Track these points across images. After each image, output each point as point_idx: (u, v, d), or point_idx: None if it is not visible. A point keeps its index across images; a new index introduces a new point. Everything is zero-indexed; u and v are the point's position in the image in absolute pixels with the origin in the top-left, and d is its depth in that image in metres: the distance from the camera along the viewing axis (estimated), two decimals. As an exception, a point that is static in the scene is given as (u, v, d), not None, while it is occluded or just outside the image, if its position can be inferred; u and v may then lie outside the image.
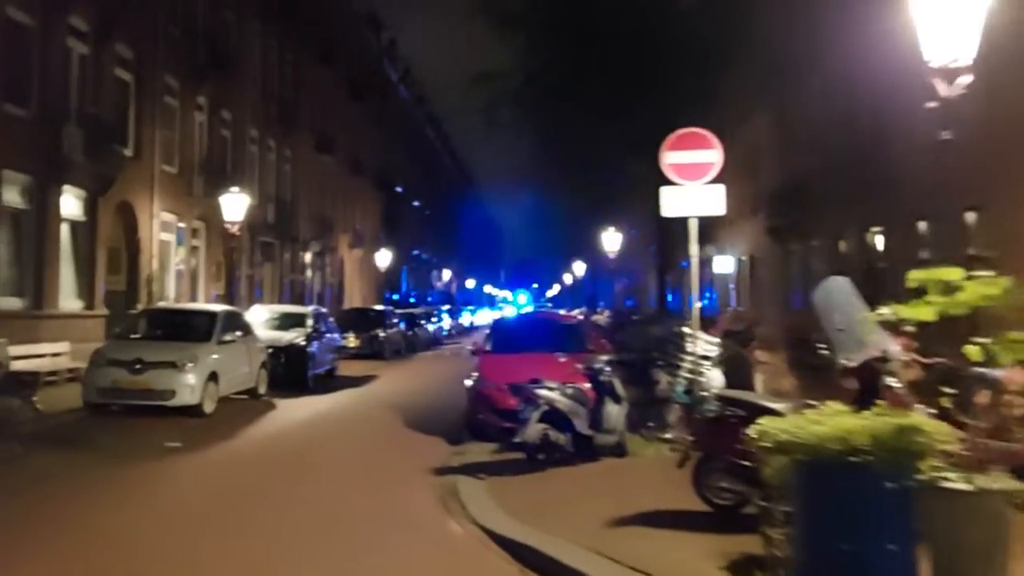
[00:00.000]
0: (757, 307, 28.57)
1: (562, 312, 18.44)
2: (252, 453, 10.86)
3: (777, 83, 23.57)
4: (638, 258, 46.79)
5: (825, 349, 7.91)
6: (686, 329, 11.35)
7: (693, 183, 10.13)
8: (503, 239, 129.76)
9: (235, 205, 20.86)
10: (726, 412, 6.92)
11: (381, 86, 47.03)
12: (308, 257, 35.40)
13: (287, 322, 18.74)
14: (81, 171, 17.52)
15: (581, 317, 14.71)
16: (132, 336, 13.69)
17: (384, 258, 41.86)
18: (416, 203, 57.02)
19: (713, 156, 10.22)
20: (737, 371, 11.33)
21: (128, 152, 20.07)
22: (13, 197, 16.02)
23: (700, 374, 11.08)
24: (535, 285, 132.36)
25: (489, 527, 7.03)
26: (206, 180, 23.81)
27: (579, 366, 9.91)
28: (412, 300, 49.23)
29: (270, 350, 16.81)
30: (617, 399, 9.64)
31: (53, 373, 15.43)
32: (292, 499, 8.33)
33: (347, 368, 22.13)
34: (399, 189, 51.12)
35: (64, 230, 17.62)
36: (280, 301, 30.42)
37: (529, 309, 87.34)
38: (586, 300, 59.12)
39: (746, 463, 5.76)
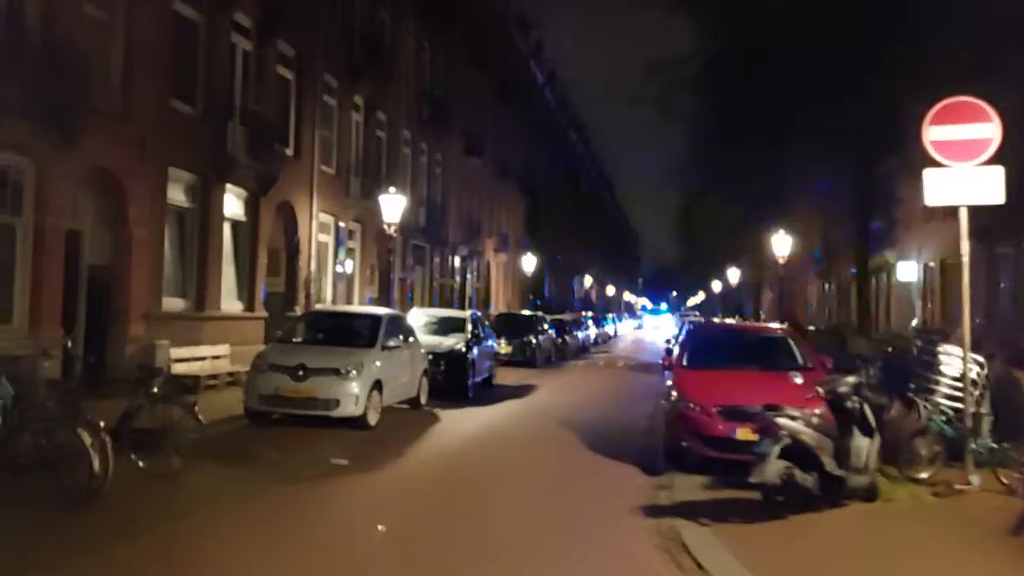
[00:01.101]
0: (951, 319, 25.40)
1: (757, 323, 16.59)
2: (425, 474, 9.68)
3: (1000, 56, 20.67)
4: (796, 266, 43.56)
5: None
6: (946, 347, 9.35)
7: (963, 164, 8.16)
8: (642, 246, 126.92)
9: (393, 206, 20.15)
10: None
11: (528, 89, 46.13)
12: (457, 261, 34.76)
13: (446, 327, 17.76)
14: (244, 170, 17.16)
15: (786, 328, 12.75)
16: (294, 340, 12.92)
17: (530, 263, 40.81)
18: (558, 208, 55.85)
19: (990, 131, 8.24)
20: (1008, 397, 9.22)
21: (289, 151, 19.71)
22: (178, 196, 15.75)
23: (960, 399, 9.08)
24: (674, 293, 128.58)
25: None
26: (362, 181, 23.33)
27: (817, 388, 8.11)
28: (564, 308, 47.92)
29: (430, 356, 15.82)
30: (868, 430, 7.80)
31: (213, 377, 14.99)
32: (478, 535, 7.02)
33: (502, 375, 21.01)
34: (542, 193, 50.07)
35: (226, 230, 17.31)
36: (431, 305, 29.81)
37: (658, 318, 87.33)
38: (737, 310, 55.99)
39: None
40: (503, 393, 17.76)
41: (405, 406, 14.21)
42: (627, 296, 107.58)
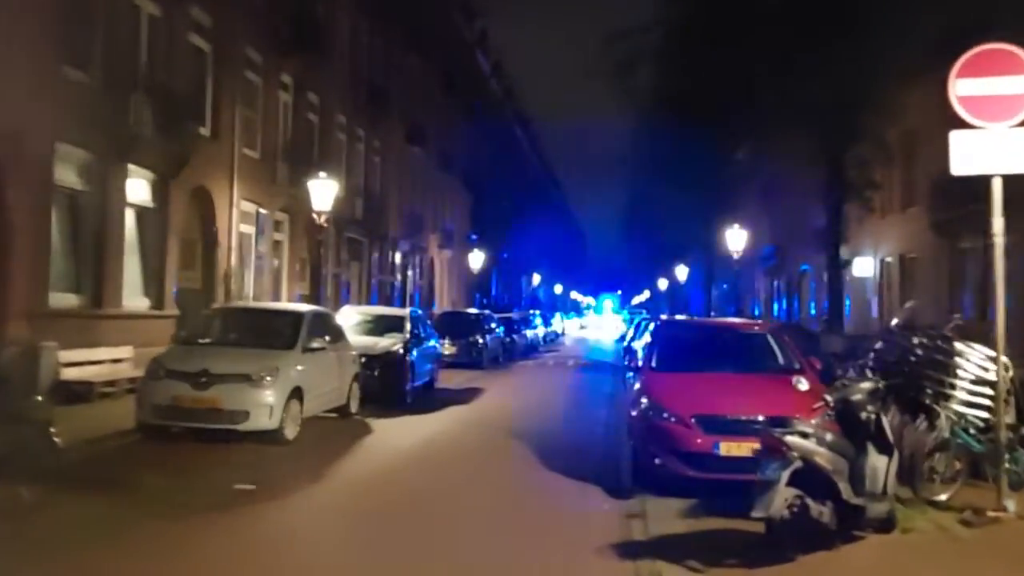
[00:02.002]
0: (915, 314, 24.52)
1: (737, 320, 15.16)
2: (346, 502, 7.98)
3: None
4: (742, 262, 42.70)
5: None
6: (961, 345, 8.00)
7: (998, 125, 6.81)
8: (588, 244, 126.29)
9: (323, 193, 18.28)
10: None
11: (473, 79, 44.44)
12: (398, 257, 32.94)
13: (382, 326, 16.00)
14: (150, 148, 15.18)
15: (767, 325, 11.35)
16: (200, 341, 11.04)
17: (476, 259, 39.17)
18: (504, 203, 54.33)
19: (1028, 84, 6.87)
20: (1034, 402, 7.92)
21: (205, 131, 17.73)
22: (68, 176, 13.69)
23: (980, 406, 7.75)
24: (619, 292, 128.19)
25: None
26: (291, 167, 21.41)
27: (825, 396, 6.67)
28: (511, 306, 46.28)
29: (363, 359, 14.08)
30: (886, 447, 6.39)
31: (111, 383, 13.00)
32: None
33: (446, 378, 19.33)
34: (488, 189, 48.48)
35: (129, 217, 15.28)
36: (368, 303, 27.96)
37: (603, 318, 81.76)
38: (681, 306, 55.19)
39: None
40: (446, 398, 16.10)
41: (333, 415, 12.48)
42: (575, 295, 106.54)
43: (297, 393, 10.40)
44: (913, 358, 8.42)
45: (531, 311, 44.97)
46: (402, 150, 32.07)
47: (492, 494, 8.28)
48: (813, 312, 36.23)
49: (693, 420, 7.80)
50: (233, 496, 7.87)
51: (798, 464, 5.77)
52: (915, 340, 8.84)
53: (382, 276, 30.31)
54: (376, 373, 14.31)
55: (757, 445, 7.39)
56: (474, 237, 42.88)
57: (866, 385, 6.59)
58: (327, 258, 24.58)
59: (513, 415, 14.10)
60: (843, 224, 27.52)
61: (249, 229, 20.17)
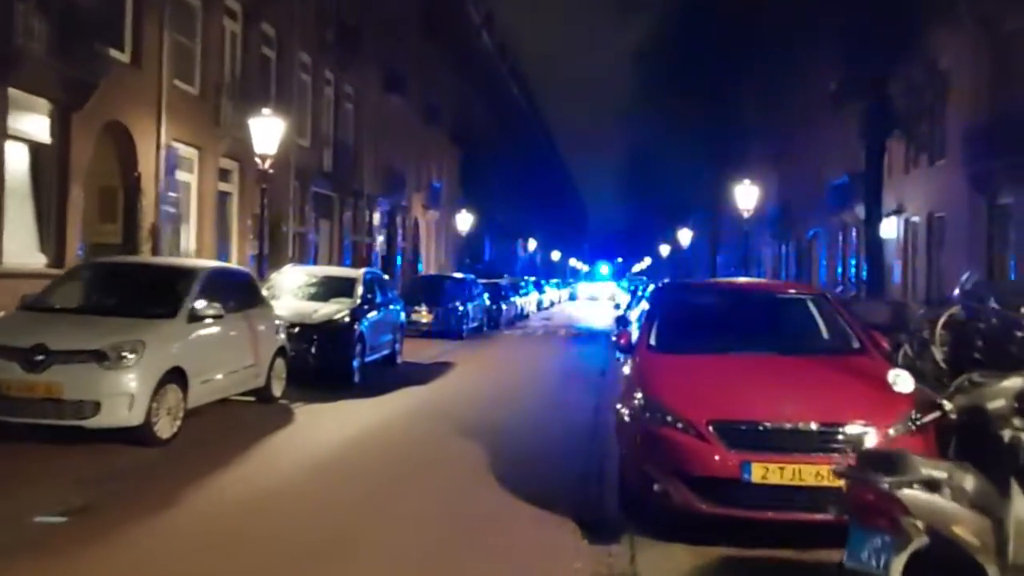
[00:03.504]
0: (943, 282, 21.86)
1: (763, 280, 11.95)
2: (199, 540, 5.36)
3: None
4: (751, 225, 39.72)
5: None
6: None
7: None
8: (589, 212, 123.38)
9: (268, 132, 15.55)
10: None
11: (460, 27, 41.25)
12: (376, 216, 30.19)
13: (328, 289, 13.33)
14: (42, 70, 12.41)
15: (808, 287, 8.61)
16: (47, 307, 8.33)
17: (465, 221, 36.37)
18: (498, 164, 51.41)
19: None
20: None
21: (122, 56, 14.90)
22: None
23: None
24: (619, 259, 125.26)
25: None
26: (239, 108, 18.52)
27: (942, 402, 4.01)
28: (502, 272, 43.35)
29: (296, 330, 11.45)
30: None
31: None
32: None
33: (416, 350, 16.84)
34: (479, 147, 45.52)
35: (15, 154, 12.55)
36: (340, 266, 25.30)
37: (597, 285, 68.29)
38: (685, 275, 52.44)
39: None
40: (407, 376, 13.50)
41: (250, 399, 9.90)
42: (573, 262, 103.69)
43: (176, 376, 7.76)
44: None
45: (525, 278, 42.32)
46: (379, 99, 29.17)
47: (414, 533, 5.63)
48: (824, 280, 33.55)
49: (710, 428, 5.16)
50: (32, 534, 5.29)
51: (923, 541, 3.13)
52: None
53: (357, 237, 27.59)
54: (315, 346, 11.71)
55: (812, 468, 4.82)
56: (463, 198, 40.04)
57: (1012, 383, 3.92)
58: (288, 214, 21.88)
59: (479, 400, 11.48)
60: (884, 170, 24.52)
61: (187, 177, 17.44)
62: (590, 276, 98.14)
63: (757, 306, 7.01)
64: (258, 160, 15.59)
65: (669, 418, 5.31)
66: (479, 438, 8.44)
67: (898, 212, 25.33)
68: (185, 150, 17.06)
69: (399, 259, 32.28)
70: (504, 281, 30.97)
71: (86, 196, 14.24)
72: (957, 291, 9.07)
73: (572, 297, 63.88)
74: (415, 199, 34.74)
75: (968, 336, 7.33)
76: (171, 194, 16.32)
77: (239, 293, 9.66)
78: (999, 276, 18.94)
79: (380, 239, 28.85)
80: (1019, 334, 5.76)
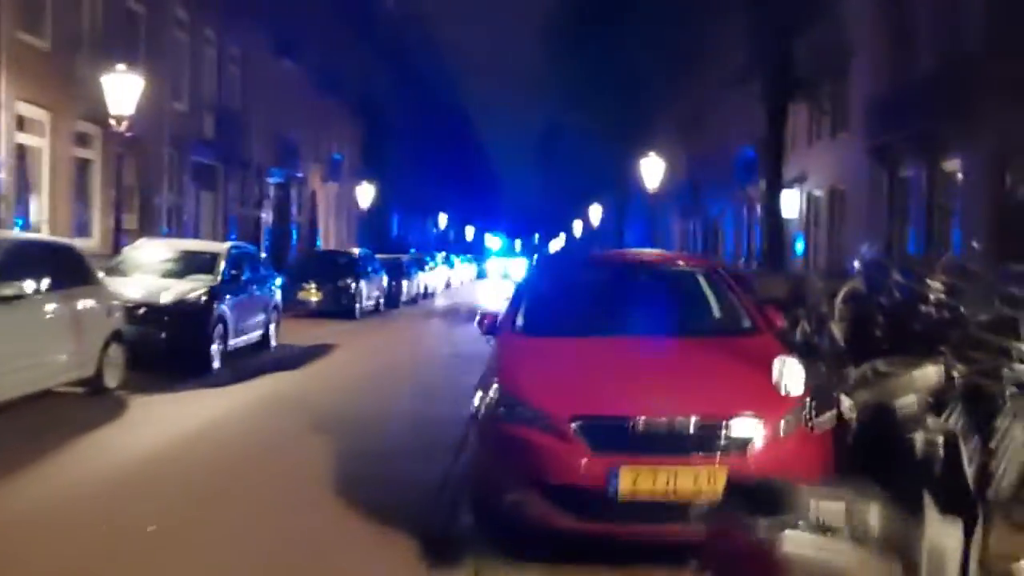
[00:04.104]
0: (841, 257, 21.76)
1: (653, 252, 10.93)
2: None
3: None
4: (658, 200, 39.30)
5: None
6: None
7: None
8: (505, 187, 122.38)
9: (123, 91, 13.98)
10: None
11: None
12: (271, 189, 28.48)
13: (187, 266, 11.93)
14: None
15: (699, 260, 7.76)
16: None
17: (366, 194, 34.85)
18: (404, 136, 49.82)
19: None
20: None
21: (-54, 1, 13.06)
22: None
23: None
24: (536, 236, 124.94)
25: None
26: (101, 65, 16.66)
27: (841, 397, 3.17)
28: (408, 248, 41.84)
29: (140, 311, 10.12)
30: (963, 505, 2.95)
31: None
32: None
33: (300, 330, 15.67)
34: (386, 119, 43.84)
35: None
36: (224, 240, 23.63)
37: (510, 261, 56.58)
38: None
39: None
40: (277, 362, 12.28)
41: (78, 390, 8.58)
42: (489, 239, 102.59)
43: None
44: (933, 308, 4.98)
45: (433, 253, 41.11)
46: (271, 64, 27.35)
47: (213, 565, 4.54)
48: (730, 255, 33.53)
49: (573, 426, 4.24)
50: None
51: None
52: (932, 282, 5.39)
53: (243, 210, 25.87)
54: (164, 331, 10.38)
55: (690, 472, 4.01)
56: (365, 171, 38.42)
57: (925, 375, 3.08)
58: (162, 184, 20.14)
59: (346, 389, 10.37)
60: (788, 142, 24.25)
61: (36, 141, 15.63)
62: (504, 252, 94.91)
63: (641, 281, 6.10)
64: (112, 122, 14.02)
65: (526, 413, 4.38)
66: (332, 435, 7.37)
67: (800, 184, 25.22)
68: (34, 111, 15.25)
69: (294, 234, 30.63)
70: (406, 257, 29.73)
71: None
72: (857, 263, 8.26)
73: (480, 275, 55.12)
74: (313, 171, 33.04)
75: (869, 312, 6.54)
76: (16, 160, 14.55)
77: (57, 270, 8.27)
78: (899, 250, 18.86)
79: (264, 214, 27.03)
80: (924, 309, 4.97)
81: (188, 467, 6.49)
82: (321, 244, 33.19)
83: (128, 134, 14.40)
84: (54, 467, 6.35)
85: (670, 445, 4.21)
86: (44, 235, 9.92)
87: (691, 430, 4.23)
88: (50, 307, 7.90)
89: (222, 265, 11.90)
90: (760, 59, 17.00)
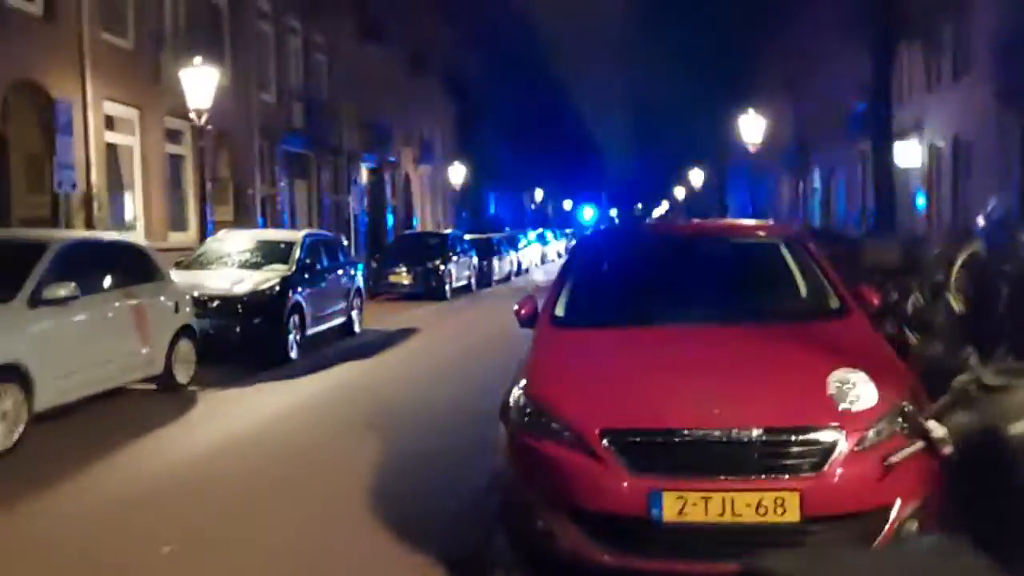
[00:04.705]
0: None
1: (722, 222, 9.94)
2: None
3: None
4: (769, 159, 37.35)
5: None
6: None
7: None
8: (607, 157, 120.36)
9: (200, 84, 14.10)
10: None
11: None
12: (363, 174, 28.65)
13: (264, 256, 11.94)
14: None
15: (780, 228, 6.89)
16: None
17: (458, 174, 34.68)
18: (500, 114, 49.42)
19: None
20: None
21: (31, 7, 13.39)
22: None
23: None
24: (639, 205, 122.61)
25: None
26: (185, 62, 16.93)
27: (931, 427, 2.45)
28: (504, 226, 41.32)
29: (214, 303, 10.13)
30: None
31: None
32: None
33: (389, 314, 15.86)
34: (479, 96, 43.53)
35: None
36: (319, 228, 23.92)
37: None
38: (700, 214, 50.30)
39: None
40: (357, 349, 12.18)
41: (151, 387, 8.61)
42: (584, 211, 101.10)
43: (13, 375, 6.41)
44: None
45: (529, 231, 40.71)
46: (357, 50, 27.38)
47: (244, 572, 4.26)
48: (843, 216, 31.57)
49: (605, 442, 3.65)
50: None
51: None
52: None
53: (338, 196, 26.10)
54: (239, 323, 10.35)
55: (751, 497, 3.39)
56: (459, 151, 38.25)
57: None
58: (254, 176, 20.44)
59: (417, 377, 10.07)
60: (905, 87, 22.37)
61: (129, 139, 16.02)
62: (579, 222, 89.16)
63: (705, 257, 5.36)
64: (193, 116, 14.17)
65: (553, 425, 3.82)
66: (393, 432, 7.06)
67: (919, 134, 23.30)
68: (120, 110, 15.60)
69: (390, 218, 30.77)
70: (498, 236, 29.41)
71: (12, 166, 12.96)
72: (981, 221, 7.36)
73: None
74: (405, 154, 33.09)
75: (992, 281, 5.68)
76: (105, 159, 14.92)
77: (120, 268, 8.27)
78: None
79: (352, 199, 26.98)
80: None
81: (225, 473, 6.22)
82: (418, 226, 33.31)
83: (208, 127, 14.53)
84: (106, 469, 6.26)
85: (726, 463, 3.52)
86: (106, 233, 9.97)
87: (753, 444, 3.56)
88: (112, 306, 7.87)
89: (297, 254, 11.82)
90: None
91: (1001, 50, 17.43)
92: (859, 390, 2.96)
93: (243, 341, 10.36)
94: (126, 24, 15.89)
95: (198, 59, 14.20)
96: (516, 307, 5.09)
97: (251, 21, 20.56)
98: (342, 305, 13.06)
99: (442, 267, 20.49)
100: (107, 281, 7.88)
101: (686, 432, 3.59)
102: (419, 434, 7.10)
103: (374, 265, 20.65)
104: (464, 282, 22.23)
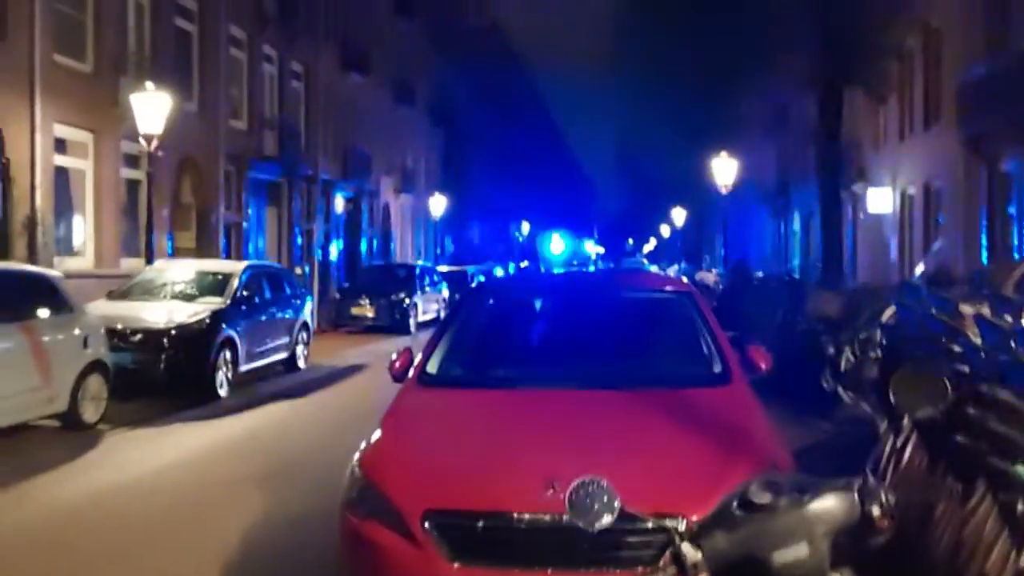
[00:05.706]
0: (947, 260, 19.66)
1: (640, 267, 9.77)
2: None
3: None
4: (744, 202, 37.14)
5: None
6: None
7: None
8: (597, 192, 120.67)
9: (153, 109, 13.83)
10: None
11: (439, 1, 39.12)
12: (340, 202, 28.36)
13: (199, 287, 11.58)
14: None
15: (684, 281, 6.55)
16: None
17: (438, 204, 34.45)
18: (487, 145, 49.40)
19: None
20: None
21: (-24, 27, 13.15)
22: None
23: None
24: (630, 241, 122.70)
25: None
26: (145, 85, 16.70)
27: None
28: (488, 257, 41.16)
29: (137, 337, 9.75)
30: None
31: None
32: None
33: (344, 349, 15.60)
34: (464, 126, 43.48)
35: None
36: (288, 257, 23.60)
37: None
38: (681, 254, 50.17)
39: None
40: (293, 387, 11.75)
41: (54, 423, 8.19)
42: (558, 242, 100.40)
43: None
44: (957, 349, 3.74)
45: (506, 263, 40.46)
46: (337, 78, 27.24)
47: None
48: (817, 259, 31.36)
49: (426, 525, 3.25)
50: None
51: None
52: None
53: (310, 225, 25.78)
54: (163, 357, 9.95)
55: None
56: (444, 181, 38.06)
57: (826, 506, 1.96)
58: (216, 203, 20.11)
59: (341, 421, 9.61)
60: (858, 153, 22.70)
61: (81, 163, 15.70)
62: (546, 257, 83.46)
63: (595, 312, 4.97)
64: (142, 141, 13.88)
65: (376, 503, 3.42)
66: (284, 486, 6.64)
67: (892, 182, 23.19)
68: (73, 133, 15.30)
69: (363, 246, 30.42)
70: (475, 268, 29.10)
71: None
72: (919, 269, 6.98)
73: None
74: (385, 183, 32.86)
75: (900, 346, 5.40)
76: (53, 183, 14.59)
77: (23, 300, 7.89)
78: (1002, 254, 16.83)
79: (316, 227, 26.19)
80: (956, 349, 3.69)
81: (111, 521, 5.84)
82: (396, 257, 32.98)
83: (160, 153, 14.23)
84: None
85: (564, 554, 3.12)
86: (9, 264, 9.60)
87: (584, 533, 3.16)
88: (7, 340, 7.47)
89: (234, 285, 11.46)
90: (808, 35, 15.49)
91: (966, 97, 17.31)
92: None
93: (167, 377, 9.98)
94: (84, 47, 15.65)
95: (150, 84, 13.94)
96: (392, 359, 4.71)
97: (221, 47, 20.35)
98: (284, 340, 12.67)
99: (407, 300, 20.14)
100: (3, 314, 7.49)
101: (514, 516, 3.19)
102: (316, 489, 6.65)
103: (338, 296, 20.30)
104: (432, 315, 21.84)
